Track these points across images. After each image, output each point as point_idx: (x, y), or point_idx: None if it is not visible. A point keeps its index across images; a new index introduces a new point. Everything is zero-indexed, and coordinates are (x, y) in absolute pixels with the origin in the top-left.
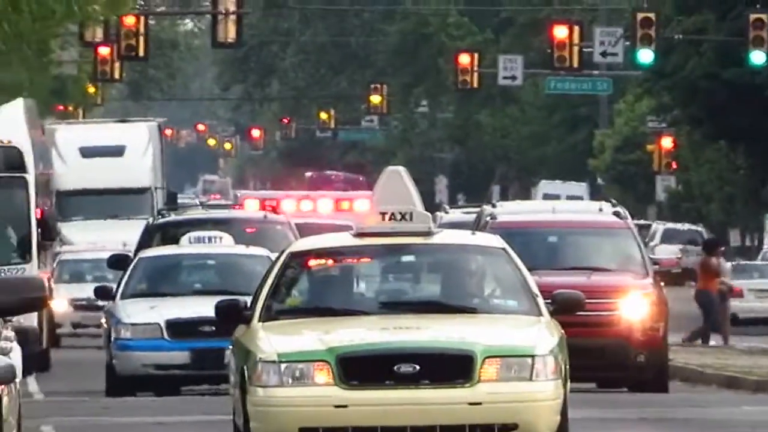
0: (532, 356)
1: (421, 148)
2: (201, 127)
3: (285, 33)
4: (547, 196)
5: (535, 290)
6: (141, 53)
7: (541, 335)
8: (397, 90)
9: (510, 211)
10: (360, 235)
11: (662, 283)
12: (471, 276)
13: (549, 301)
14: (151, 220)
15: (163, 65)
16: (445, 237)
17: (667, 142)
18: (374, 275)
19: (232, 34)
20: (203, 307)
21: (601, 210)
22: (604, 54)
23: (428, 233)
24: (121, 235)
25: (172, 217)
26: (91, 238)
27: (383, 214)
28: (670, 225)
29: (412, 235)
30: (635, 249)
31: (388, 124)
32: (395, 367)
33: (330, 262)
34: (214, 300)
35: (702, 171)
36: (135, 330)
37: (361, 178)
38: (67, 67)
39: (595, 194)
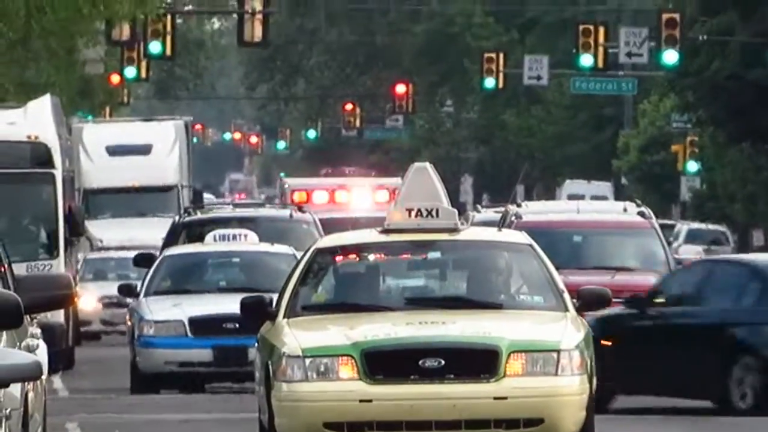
0: (558, 351)
1: (446, 148)
2: (237, 135)
3: (311, 32)
4: (571, 196)
5: (561, 286)
6: (168, 52)
7: (567, 330)
8: (422, 89)
9: (535, 210)
10: (386, 231)
11: None
12: (497, 272)
13: (575, 299)
14: (177, 218)
15: (190, 64)
16: (471, 233)
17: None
18: (400, 272)
19: (258, 33)
20: (227, 304)
21: (625, 210)
22: (629, 54)
23: (454, 229)
24: (149, 233)
25: (198, 215)
26: (120, 236)
27: (409, 210)
28: (694, 225)
29: (439, 232)
30: (659, 248)
31: (413, 124)
32: (420, 362)
33: (356, 258)
34: (238, 297)
35: (726, 171)
36: (158, 327)
37: (373, 174)
38: (94, 65)
39: (620, 194)
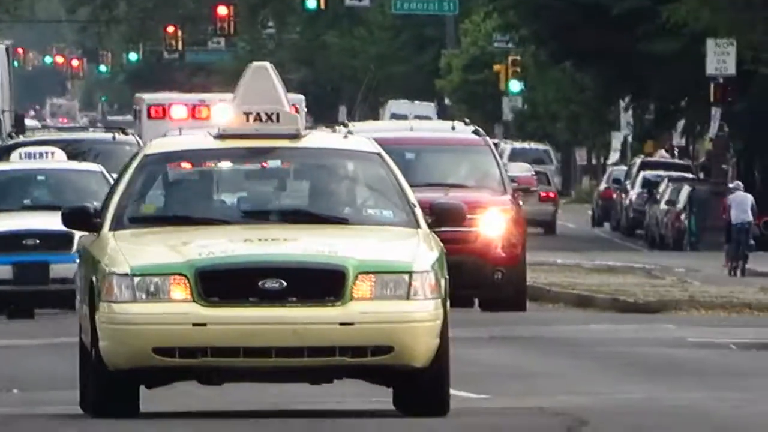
0: (410, 272)
1: None
2: (59, 59)
3: None
4: (395, 116)
5: (413, 200)
6: None
7: (420, 249)
8: (244, 11)
9: (366, 129)
10: (221, 137)
11: (521, 202)
12: (343, 183)
13: (427, 215)
14: (0, 142)
15: None
16: (315, 140)
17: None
18: (237, 181)
19: None
20: (29, 221)
21: (453, 128)
22: None
23: (296, 135)
24: None
25: (21, 139)
26: None
27: (247, 114)
28: (518, 144)
29: (279, 138)
30: (494, 166)
31: (235, 46)
32: (260, 283)
33: (188, 165)
34: (41, 215)
35: (548, 91)
36: None
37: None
38: None
39: (443, 114)
